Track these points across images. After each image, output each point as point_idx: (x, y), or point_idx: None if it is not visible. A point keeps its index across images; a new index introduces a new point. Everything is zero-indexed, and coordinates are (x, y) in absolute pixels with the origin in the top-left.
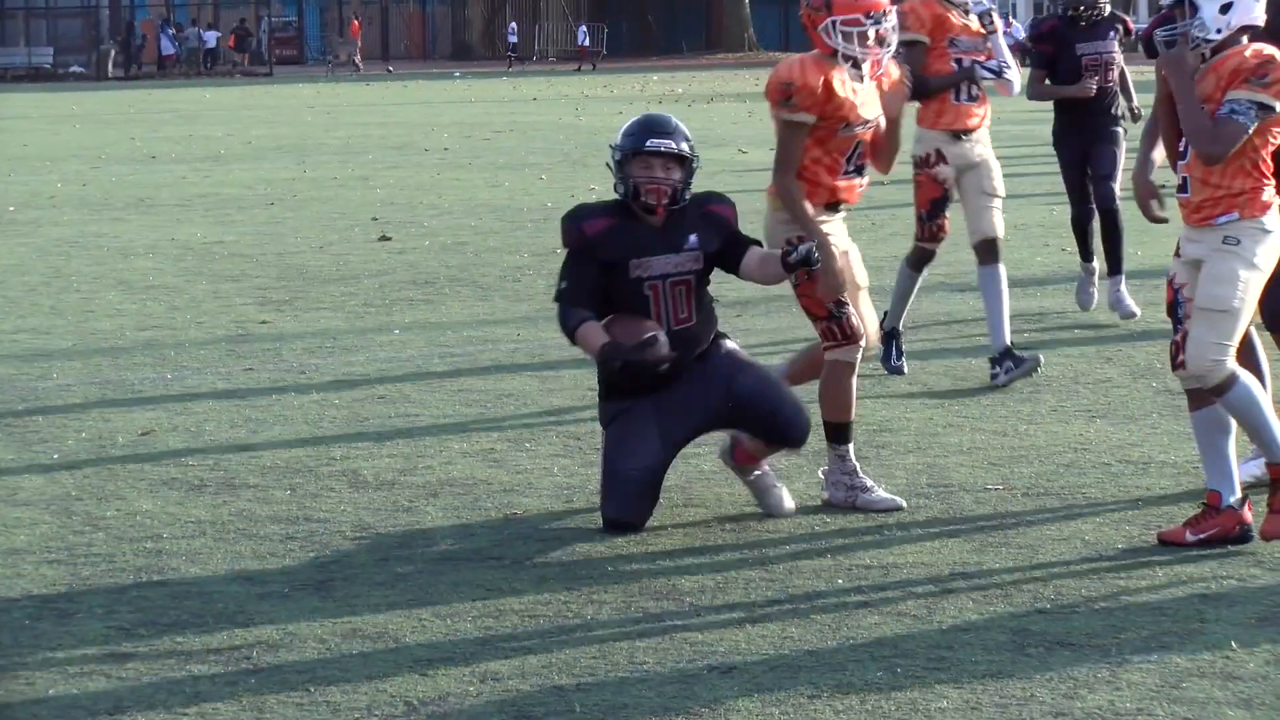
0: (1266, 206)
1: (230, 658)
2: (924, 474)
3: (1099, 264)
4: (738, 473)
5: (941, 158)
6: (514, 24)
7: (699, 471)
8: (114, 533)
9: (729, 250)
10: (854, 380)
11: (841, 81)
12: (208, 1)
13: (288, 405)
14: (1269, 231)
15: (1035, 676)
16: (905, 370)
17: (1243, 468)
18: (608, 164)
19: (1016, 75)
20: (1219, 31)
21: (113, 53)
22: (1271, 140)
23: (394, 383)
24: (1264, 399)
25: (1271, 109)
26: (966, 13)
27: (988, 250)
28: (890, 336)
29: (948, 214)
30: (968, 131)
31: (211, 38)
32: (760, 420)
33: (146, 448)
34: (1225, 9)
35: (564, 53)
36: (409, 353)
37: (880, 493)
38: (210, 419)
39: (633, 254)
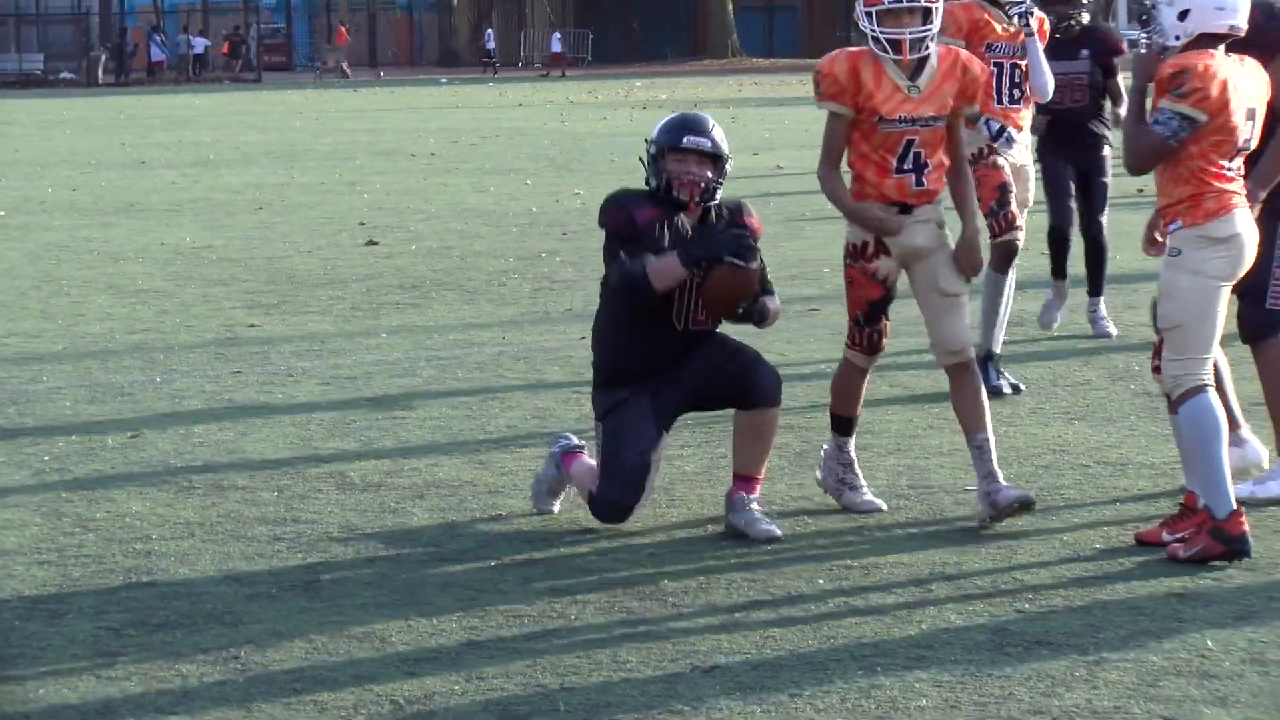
0: (1212, 213)
1: (219, 658)
2: (904, 475)
3: (1073, 287)
4: (731, 512)
5: (993, 150)
6: (490, 31)
7: (682, 473)
8: (104, 534)
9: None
10: (864, 383)
11: (875, 72)
12: (197, 9)
13: (275, 408)
14: (1217, 239)
15: (1014, 675)
16: (1006, 390)
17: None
18: (641, 159)
19: (1021, 136)
20: (1177, 39)
21: (103, 59)
22: (1215, 149)
23: (381, 385)
24: (1217, 434)
25: (1194, 120)
26: (1010, 16)
27: (1006, 258)
28: (987, 359)
29: (1014, 201)
30: (1017, 129)
31: (200, 44)
32: (732, 379)
33: (136, 450)
34: (1183, 15)
35: (549, 59)
36: (396, 355)
37: (866, 495)
38: (199, 421)
39: (672, 248)
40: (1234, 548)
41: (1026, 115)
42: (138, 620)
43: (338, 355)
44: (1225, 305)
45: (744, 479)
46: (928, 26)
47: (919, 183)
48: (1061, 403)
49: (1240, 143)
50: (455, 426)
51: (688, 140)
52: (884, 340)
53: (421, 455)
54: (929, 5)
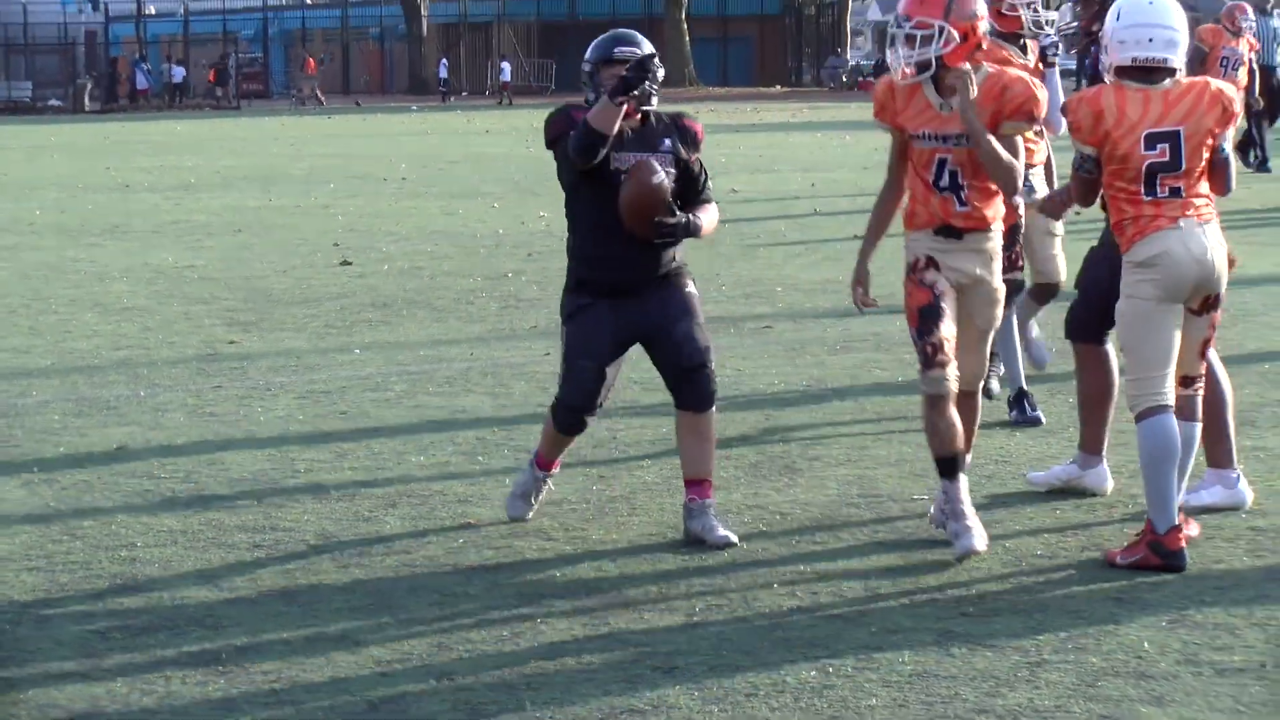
0: (1132, 238)
1: (201, 660)
2: (854, 485)
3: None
4: (689, 519)
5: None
6: (444, 61)
7: (643, 483)
8: (90, 541)
9: (690, 185)
10: (947, 414)
11: (911, 91)
12: (178, 39)
13: (254, 421)
14: (1137, 262)
15: (959, 675)
16: (1043, 420)
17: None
18: (584, 82)
19: (1036, 172)
20: (1107, 71)
21: (89, 87)
22: (1116, 176)
23: (354, 399)
24: (1168, 455)
25: (1084, 152)
26: (1025, 51)
27: (1046, 294)
28: (1021, 396)
29: (1020, 243)
30: (1030, 167)
31: (179, 73)
32: (674, 369)
33: (121, 461)
34: (1105, 50)
35: (515, 88)
36: (368, 371)
37: (969, 535)
38: (181, 434)
39: (613, 148)
40: (1170, 562)
41: (1042, 150)
42: (123, 624)
43: (313, 370)
44: (1175, 325)
45: (695, 483)
46: (923, 51)
47: (961, 204)
48: (1003, 415)
49: (1141, 167)
50: (425, 439)
51: (619, 51)
52: (940, 356)
53: (393, 466)
54: (913, 32)
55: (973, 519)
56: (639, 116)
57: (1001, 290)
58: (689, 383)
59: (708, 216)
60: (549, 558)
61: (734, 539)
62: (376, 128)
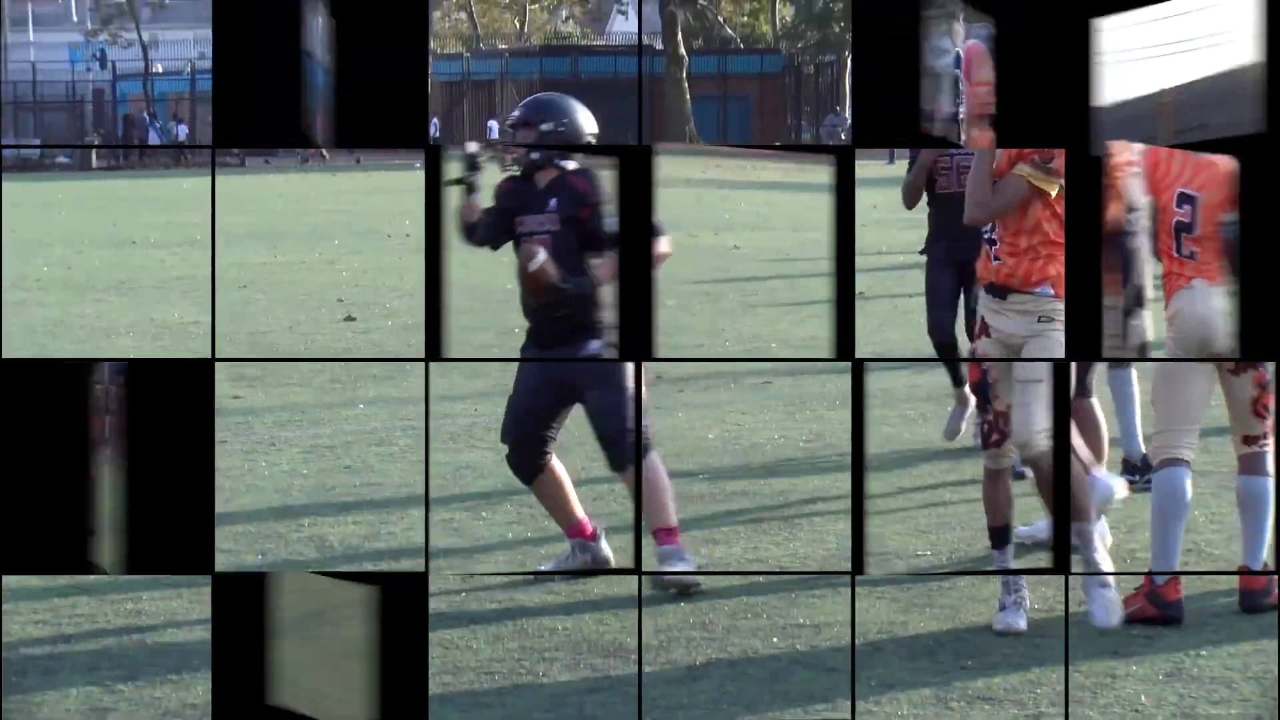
0: (1166, 296)
1: (205, 710)
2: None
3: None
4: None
5: None
6: (435, 120)
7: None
8: (96, 595)
9: (589, 238)
10: (1000, 489)
11: None
12: (184, 97)
13: (259, 475)
14: (1165, 319)
15: None
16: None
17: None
18: None
19: None
20: None
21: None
22: (1160, 228)
23: (359, 454)
24: (1178, 509)
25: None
26: None
27: None
28: None
29: None
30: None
31: (183, 131)
32: (597, 437)
33: None
34: None
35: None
36: (373, 425)
37: (1016, 612)
38: None
39: (519, 211)
40: (1168, 613)
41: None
42: (128, 675)
43: (317, 425)
44: (1201, 383)
45: (657, 533)
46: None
47: (995, 258)
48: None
49: (1171, 222)
50: (430, 493)
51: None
52: (995, 436)
53: (397, 521)
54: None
55: (1024, 594)
56: (552, 173)
57: (1057, 349)
58: (610, 449)
59: (599, 273)
60: (551, 612)
61: (691, 565)
62: (380, 184)
